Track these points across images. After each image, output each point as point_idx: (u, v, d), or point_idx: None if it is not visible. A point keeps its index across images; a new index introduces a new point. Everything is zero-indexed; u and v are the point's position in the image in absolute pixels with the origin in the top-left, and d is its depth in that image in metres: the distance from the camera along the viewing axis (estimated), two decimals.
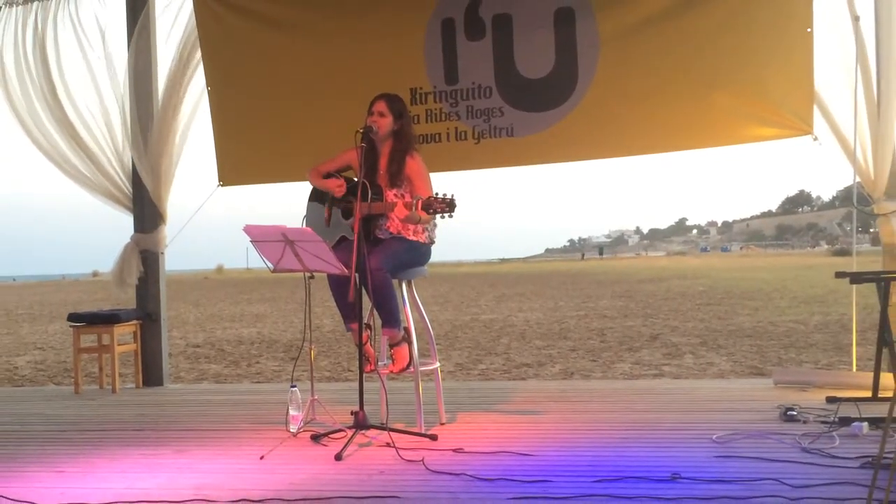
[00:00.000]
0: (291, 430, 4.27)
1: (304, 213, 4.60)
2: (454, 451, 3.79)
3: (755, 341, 10.72)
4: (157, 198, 6.23)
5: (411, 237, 4.37)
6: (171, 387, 6.52)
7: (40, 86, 6.28)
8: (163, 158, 6.16)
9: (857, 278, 4.73)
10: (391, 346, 4.35)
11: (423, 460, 3.61)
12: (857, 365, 5.55)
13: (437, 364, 4.53)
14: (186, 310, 21.27)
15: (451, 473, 3.40)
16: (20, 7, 6.30)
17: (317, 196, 4.61)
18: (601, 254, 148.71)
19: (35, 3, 6.27)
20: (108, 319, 6.11)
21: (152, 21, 6.20)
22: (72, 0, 6.21)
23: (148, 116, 6.20)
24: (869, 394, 4.59)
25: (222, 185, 6.27)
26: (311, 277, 4.29)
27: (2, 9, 6.33)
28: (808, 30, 5.00)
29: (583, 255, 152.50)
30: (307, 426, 4.32)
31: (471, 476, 3.34)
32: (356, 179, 4.21)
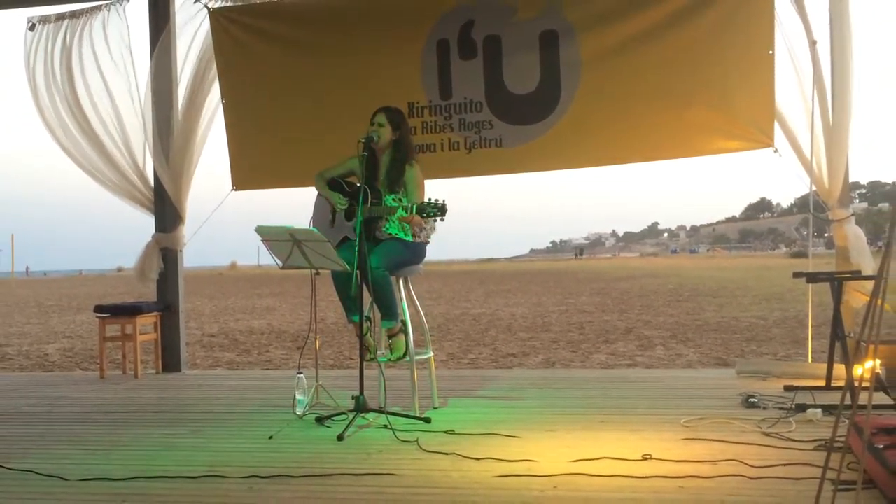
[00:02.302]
0: (297, 413, 4.27)
1: (311, 213, 4.60)
2: (446, 432, 3.79)
3: (720, 335, 10.73)
4: (176, 201, 6.21)
5: (408, 238, 4.37)
6: (188, 373, 6.50)
7: (66, 98, 6.23)
8: (181, 166, 6.13)
9: (812, 278, 4.75)
10: (389, 336, 4.35)
11: (417, 441, 3.61)
12: (812, 357, 5.57)
13: (431, 353, 4.54)
14: (202, 303, 21.20)
15: (442, 453, 3.40)
16: (52, 24, 6.27)
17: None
18: (581, 254, 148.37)
19: (66, 21, 6.24)
20: (130, 311, 6.09)
21: (173, 39, 6.17)
22: (99, 17, 6.18)
23: (168, 127, 6.17)
24: (823, 383, 4.61)
25: (236, 190, 6.25)
26: (317, 274, 4.28)
27: (36, 27, 6.30)
28: (770, 52, 5.03)
29: (575, 254, 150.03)
30: (312, 409, 4.32)
31: (461, 455, 3.34)
32: (358, 185, 4.21)
